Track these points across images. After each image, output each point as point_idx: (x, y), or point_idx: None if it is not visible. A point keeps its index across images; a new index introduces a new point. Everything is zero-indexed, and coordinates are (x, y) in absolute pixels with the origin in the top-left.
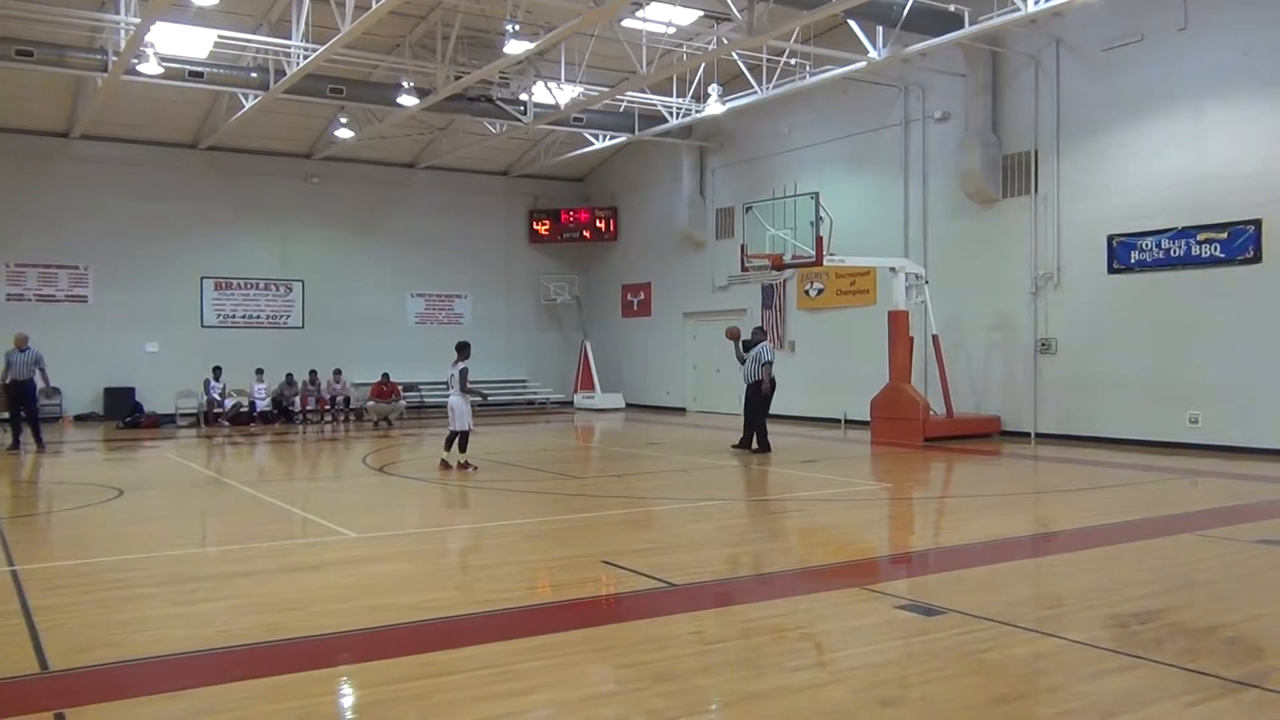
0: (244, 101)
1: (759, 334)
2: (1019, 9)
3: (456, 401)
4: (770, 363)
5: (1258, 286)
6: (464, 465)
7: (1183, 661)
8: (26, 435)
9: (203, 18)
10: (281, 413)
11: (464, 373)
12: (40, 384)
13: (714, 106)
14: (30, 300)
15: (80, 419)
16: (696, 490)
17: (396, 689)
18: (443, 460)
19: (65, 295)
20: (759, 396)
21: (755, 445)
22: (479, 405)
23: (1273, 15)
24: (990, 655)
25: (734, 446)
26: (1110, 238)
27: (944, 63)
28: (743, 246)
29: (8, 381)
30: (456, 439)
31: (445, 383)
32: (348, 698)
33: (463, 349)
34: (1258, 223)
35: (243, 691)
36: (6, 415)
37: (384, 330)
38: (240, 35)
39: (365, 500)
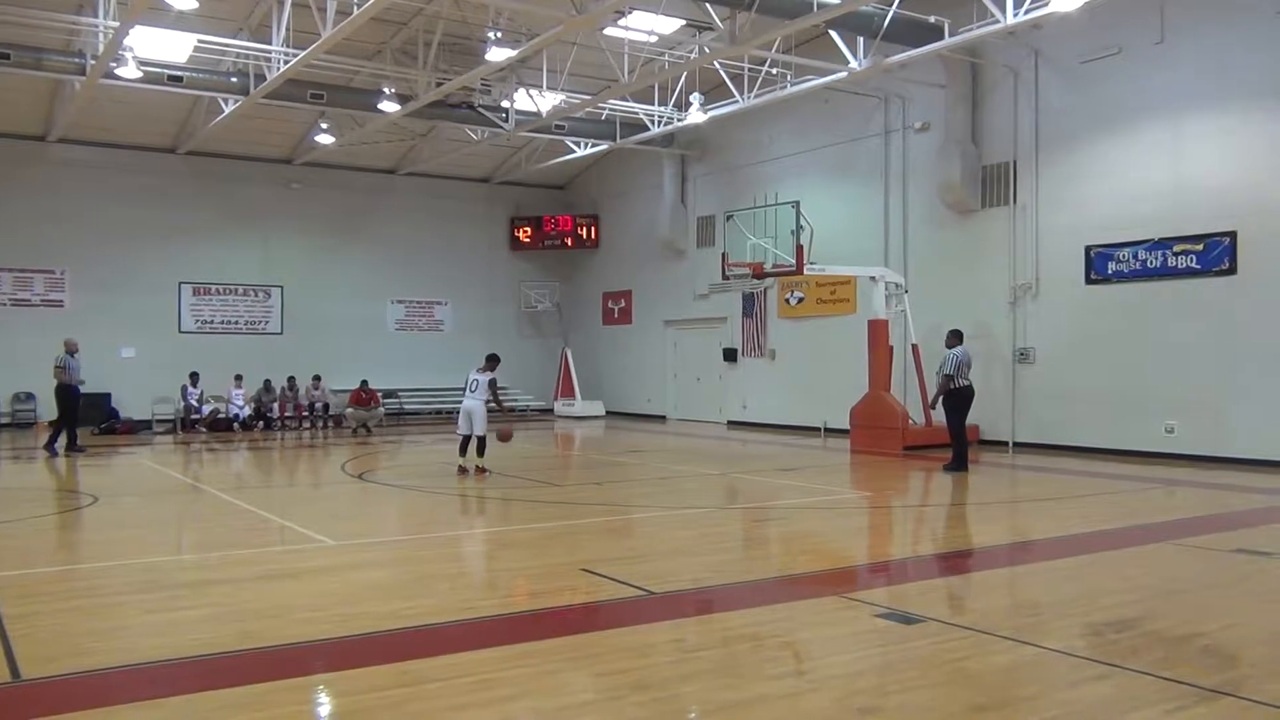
0: (224, 106)
1: (952, 338)
2: (998, 21)
3: (476, 406)
4: (949, 374)
5: (1232, 298)
6: (481, 470)
7: (1159, 670)
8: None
9: (182, 22)
10: (260, 419)
11: (493, 383)
12: None
13: (695, 115)
14: (5, 305)
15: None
16: (676, 498)
17: (374, 697)
18: (460, 466)
19: (41, 300)
20: (950, 409)
21: (955, 464)
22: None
23: (1248, 30)
24: (969, 663)
25: (944, 468)
26: (1088, 248)
27: (924, 73)
28: (724, 255)
29: (63, 384)
30: (474, 443)
31: (430, 389)
32: (325, 706)
33: (493, 360)
34: (1233, 234)
35: (219, 700)
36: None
37: (364, 336)
38: (220, 40)
39: (344, 507)
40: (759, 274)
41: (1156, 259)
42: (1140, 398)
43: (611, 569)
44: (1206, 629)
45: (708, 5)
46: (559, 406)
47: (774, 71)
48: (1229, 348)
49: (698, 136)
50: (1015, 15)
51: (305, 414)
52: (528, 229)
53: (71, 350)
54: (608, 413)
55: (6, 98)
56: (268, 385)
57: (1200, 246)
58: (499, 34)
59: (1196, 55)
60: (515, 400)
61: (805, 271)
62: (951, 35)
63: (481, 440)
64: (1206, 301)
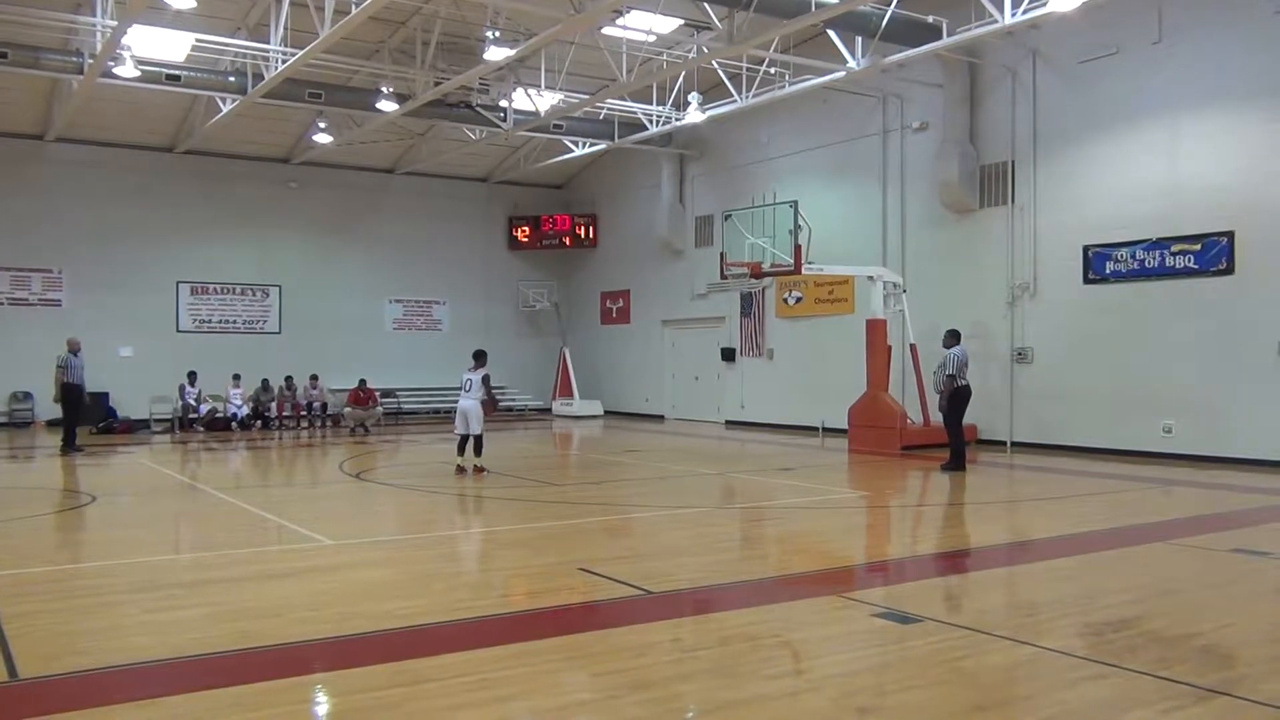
0: (222, 105)
1: (949, 338)
2: (996, 21)
3: (471, 405)
4: (952, 375)
5: (1230, 297)
6: (479, 469)
7: (1156, 669)
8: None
9: (180, 21)
10: (258, 419)
11: (486, 379)
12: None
13: (694, 115)
14: (3, 304)
15: (52, 424)
16: (674, 498)
17: (371, 697)
18: (458, 465)
19: (38, 299)
20: (948, 409)
21: (952, 463)
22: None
23: (1245, 30)
24: (966, 663)
25: (942, 468)
26: (1086, 248)
27: (922, 73)
28: (722, 254)
29: (66, 383)
30: (471, 442)
31: (428, 388)
32: (322, 706)
33: (480, 356)
34: (1230, 234)
35: (216, 700)
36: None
37: (361, 336)
38: (218, 39)
39: (341, 507)
40: (757, 274)
41: (1154, 259)
42: (1138, 397)
43: (609, 568)
44: (1203, 629)
45: (706, 5)
46: (557, 406)
47: (772, 71)
48: (1227, 348)
49: (696, 136)
50: (1013, 15)
51: (303, 413)
52: (526, 228)
53: (74, 349)
54: (606, 412)
55: (4, 97)
56: (265, 385)
57: (1198, 246)
58: (497, 33)
59: (1194, 55)
60: (513, 400)
61: (803, 271)
62: (950, 35)
63: (479, 439)
64: (1204, 301)
